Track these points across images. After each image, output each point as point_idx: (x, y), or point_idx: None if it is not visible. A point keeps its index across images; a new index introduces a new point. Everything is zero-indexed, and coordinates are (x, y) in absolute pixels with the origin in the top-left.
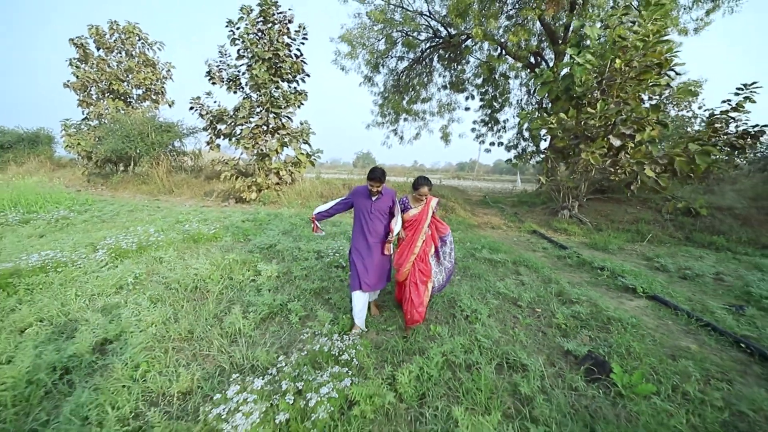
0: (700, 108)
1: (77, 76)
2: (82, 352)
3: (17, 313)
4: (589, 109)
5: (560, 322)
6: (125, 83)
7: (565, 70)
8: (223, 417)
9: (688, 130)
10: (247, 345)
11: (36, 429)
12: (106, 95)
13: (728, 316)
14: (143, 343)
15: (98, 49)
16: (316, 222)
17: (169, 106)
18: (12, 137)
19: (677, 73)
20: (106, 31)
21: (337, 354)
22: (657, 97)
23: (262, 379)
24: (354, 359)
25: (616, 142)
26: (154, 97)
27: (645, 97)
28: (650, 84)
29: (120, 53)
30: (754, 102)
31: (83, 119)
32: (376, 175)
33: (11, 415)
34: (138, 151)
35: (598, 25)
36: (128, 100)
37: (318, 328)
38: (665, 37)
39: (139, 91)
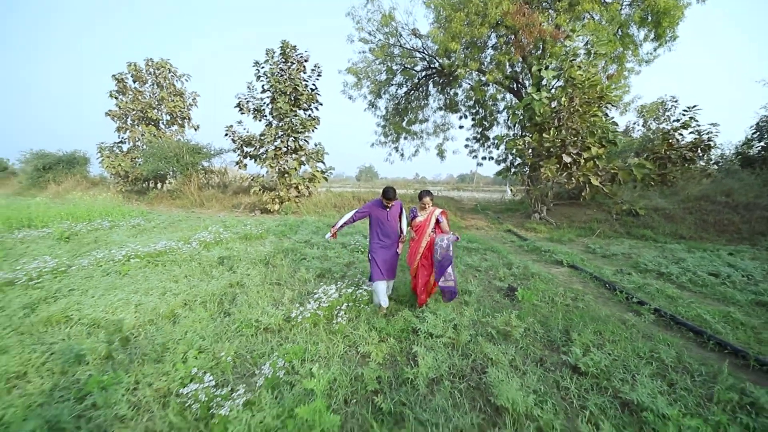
0: (677, 121)
1: (119, 107)
2: (226, 286)
3: (172, 272)
4: (544, 135)
5: (500, 276)
6: (156, 110)
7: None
8: (320, 297)
9: (671, 141)
10: (314, 285)
11: (227, 311)
12: (141, 122)
13: (611, 274)
14: (256, 284)
15: (134, 82)
16: (335, 232)
17: (195, 129)
18: (52, 159)
19: (614, 107)
20: (142, 67)
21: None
22: (596, 125)
23: (336, 285)
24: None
25: (567, 159)
26: (180, 122)
27: (611, 114)
28: (591, 115)
29: (153, 85)
30: (697, 121)
31: (117, 143)
32: (390, 195)
33: (212, 306)
34: (173, 171)
35: (555, 64)
36: (158, 125)
37: (352, 279)
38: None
39: (167, 117)
